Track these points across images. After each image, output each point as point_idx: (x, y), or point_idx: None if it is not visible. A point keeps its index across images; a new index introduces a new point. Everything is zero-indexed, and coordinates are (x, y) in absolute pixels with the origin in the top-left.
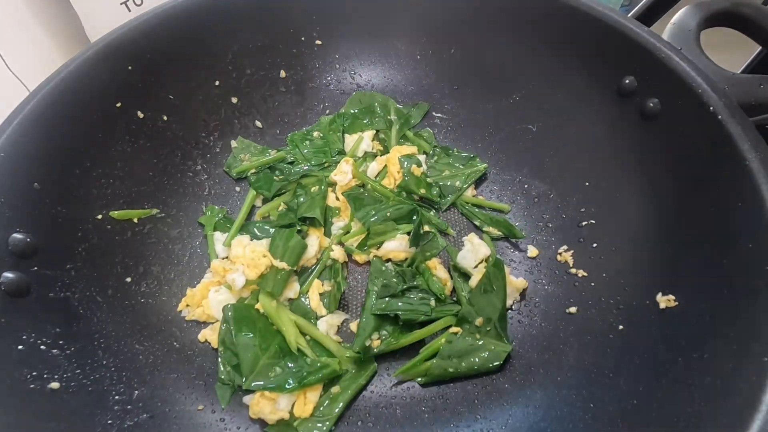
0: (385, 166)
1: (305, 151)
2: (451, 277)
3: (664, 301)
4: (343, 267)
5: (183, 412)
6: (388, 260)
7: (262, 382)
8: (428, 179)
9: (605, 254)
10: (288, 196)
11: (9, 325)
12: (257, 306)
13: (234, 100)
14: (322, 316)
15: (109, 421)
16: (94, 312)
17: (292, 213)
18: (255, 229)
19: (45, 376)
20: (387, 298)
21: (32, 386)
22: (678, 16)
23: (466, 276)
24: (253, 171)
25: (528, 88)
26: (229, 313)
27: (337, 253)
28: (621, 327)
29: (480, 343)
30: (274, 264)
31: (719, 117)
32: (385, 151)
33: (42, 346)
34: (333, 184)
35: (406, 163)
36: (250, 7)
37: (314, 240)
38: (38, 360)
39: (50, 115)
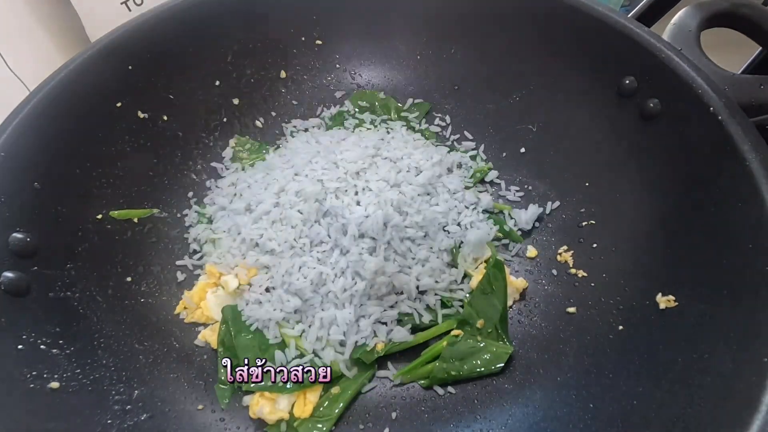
0: None
1: None
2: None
3: (664, 301)
4: None
5: (183, 411)
6: None
7: (262, 383)
8: None
9: (605, 254)
10: None
11: (9, 324)
12: None
13: (234, 100)
14: None
15: (109, 421)
16: (94, 312)
17: None
18: None
19: (45, 375)
20: None
21: (32, 386)
22: (678, 16)
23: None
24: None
25: (528, 89)
26: (229, 314)
27: None
28: (621, 327)
29: (481, 345)
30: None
31: (719, 117)
32: None
33: (42, 346)
34: None
35: None
36: (250, 7)
37: None
38: (38, 359)
39: (50, 114)
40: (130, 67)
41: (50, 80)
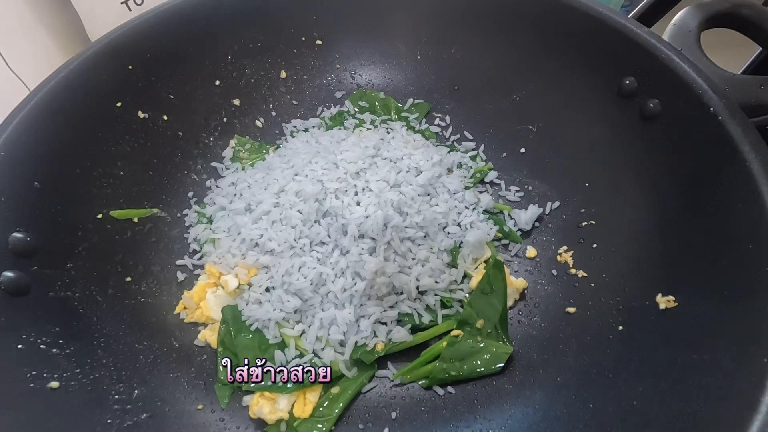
0: None
1: None
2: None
3: (664, 301)
4: None
5: (182, 411)
6: None
7: (262, 383)
8: None
9: (605, 255)
10: None
11: (9, 324)
12: None
13: (234, 100)
14: None
15: (109, 421)
16: (94, 311)
17: None
18: None
19: (45, 375)
20: None
21: (32, 385)
22: (678, 16)
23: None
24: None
25: (528, 89)
26: (229, 314)
27: None
28: (621, 327)
29: (481, 345)
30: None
31: (719, 118)
32: None
33: (42, 345)
34: None
35: None
36: (250, 7)
37: None
38: (38, 359)
39: (50, 114)
40: (130, 67)
41: (50, 80)
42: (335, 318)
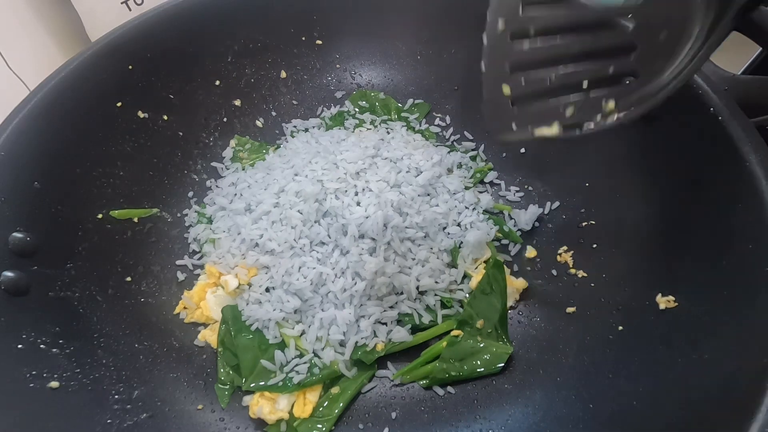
0: None
1: None
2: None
3: (664, 301)
4: None
5: (182, 411)
6: None
7: (262, 383)
8: None
9: (605, 255)
10: None
11: (9, 323)
12: None
13: (234, 100)
14: None
15: (109, 421)
16: (94, 311)
17: None
18: None
19: (44, 375)
20: None
21: (32, 385)
22: None
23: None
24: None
25: None
26: (229, 314)
27: None
28: (621, 327)
29: (481, 345)
30: None
31: (719, 118)
32: None
33: (42, 345)
34: None
35: None
36: (250, 7)
37: None
38: (38, 359)
39: (50, 114)
40: (130, 67)
41: (50, 80)
42: (335, 318)
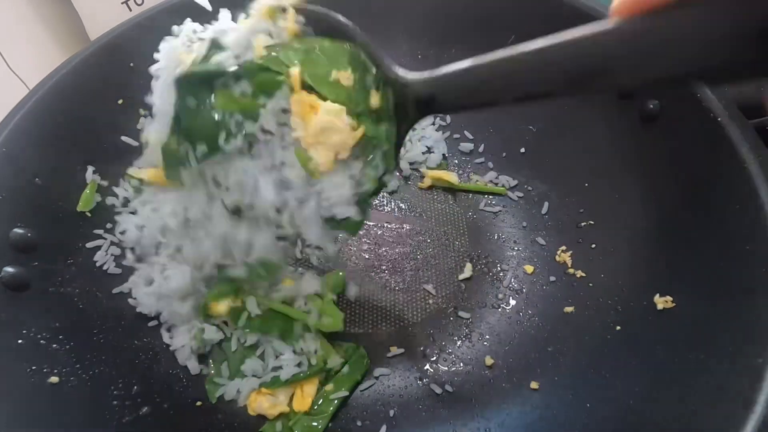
0: None
1: None
2: None
3: (662, 302)
4: None
5: (181, 407)
6: None
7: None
8: None
9: (604, 255)
10: None
11: (9, 319)
12: None
13: None
14: None
15: (108, 416)
16: (94, 307)
17: None
18: None
19: (44, 370)
20: None
21: (32, 380)
22: None
23: None
24: None
25: None
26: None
27: None
28: (618, 328)
29: None
30: None
31: (718, 119)
32: None
33: (42, 341)
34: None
35: None
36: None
37: None
38: (38, 354)
39: (52, 111)
40: (131, 65)
41: (52, 76)
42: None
